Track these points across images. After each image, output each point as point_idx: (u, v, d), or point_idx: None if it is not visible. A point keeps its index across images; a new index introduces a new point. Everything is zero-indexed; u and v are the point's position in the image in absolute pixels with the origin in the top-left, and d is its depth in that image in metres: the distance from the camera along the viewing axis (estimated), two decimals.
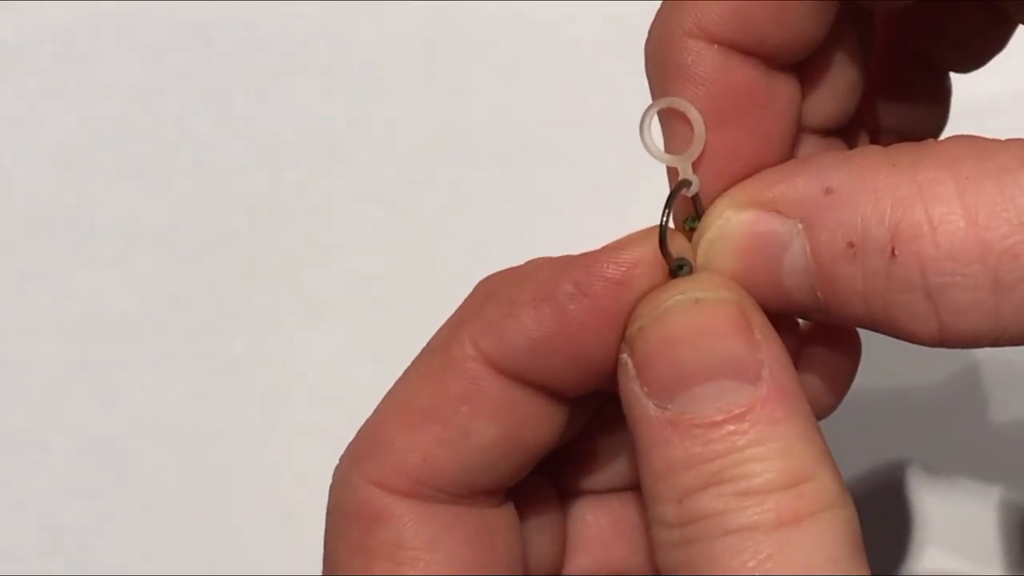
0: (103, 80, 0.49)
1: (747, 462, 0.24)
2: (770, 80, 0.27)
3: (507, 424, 0.27)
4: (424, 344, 0.27)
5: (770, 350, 0.24)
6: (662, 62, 0.27)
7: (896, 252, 0.24)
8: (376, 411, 0.27)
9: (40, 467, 0.45)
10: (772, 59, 0.27)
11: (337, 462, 0.27)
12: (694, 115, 0.26)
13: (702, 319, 0.25)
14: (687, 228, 0.27)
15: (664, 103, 0.26)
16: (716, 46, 0.26)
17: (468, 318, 0.27)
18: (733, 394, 0.24)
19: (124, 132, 0.48)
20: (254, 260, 0.47)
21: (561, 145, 0.47)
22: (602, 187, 0.44)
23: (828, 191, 0.25)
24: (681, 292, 0.25)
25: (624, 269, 0.26)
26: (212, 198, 0.48)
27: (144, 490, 0.45)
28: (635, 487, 0.30)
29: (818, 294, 0.25)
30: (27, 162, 0.48)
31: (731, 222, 0.26)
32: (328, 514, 0.27)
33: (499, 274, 0.28)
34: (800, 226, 0.25)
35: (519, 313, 0.26)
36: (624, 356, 0.25)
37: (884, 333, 0.25)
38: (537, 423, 0.27)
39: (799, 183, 0.25)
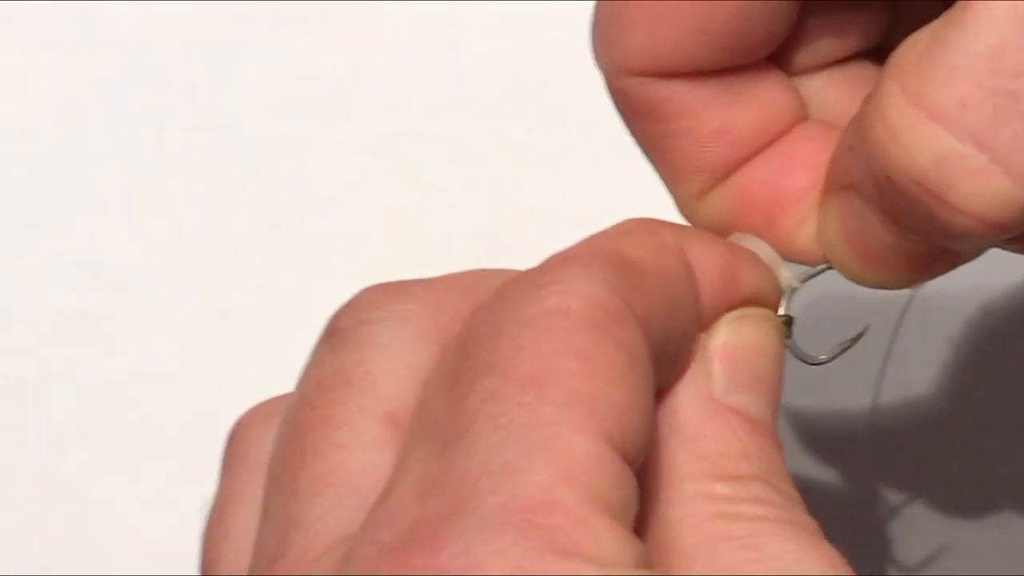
0: (103, 31, 0.49)
1: (773, 475, 0.25)
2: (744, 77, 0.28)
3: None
4: None
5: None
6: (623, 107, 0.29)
7: None
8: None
9: (38, 416, 0.45)
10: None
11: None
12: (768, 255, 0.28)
13: (771, 338, 0.27)
14: None
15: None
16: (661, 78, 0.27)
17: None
18: (768, 414, 0.26)
19: (124, 83, 0.48)
20: (254, 210, 0.47)
21: (563, 97, 0.47)
22: (605, 138, 0.43)
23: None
24: (759, 310, 0.27)
25: None
26: (212, 148, 0.48)
27: (142, 440, 0.45)
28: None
29: None
30: (26, 112, 0.48)
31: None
32: (544, 290, 0.23)
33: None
34: None
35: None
36: (701, 336, 0.26)
37: None
38: None
39: None
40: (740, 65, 0.28)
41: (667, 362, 0.25)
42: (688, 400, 0.25)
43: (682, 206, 0.29)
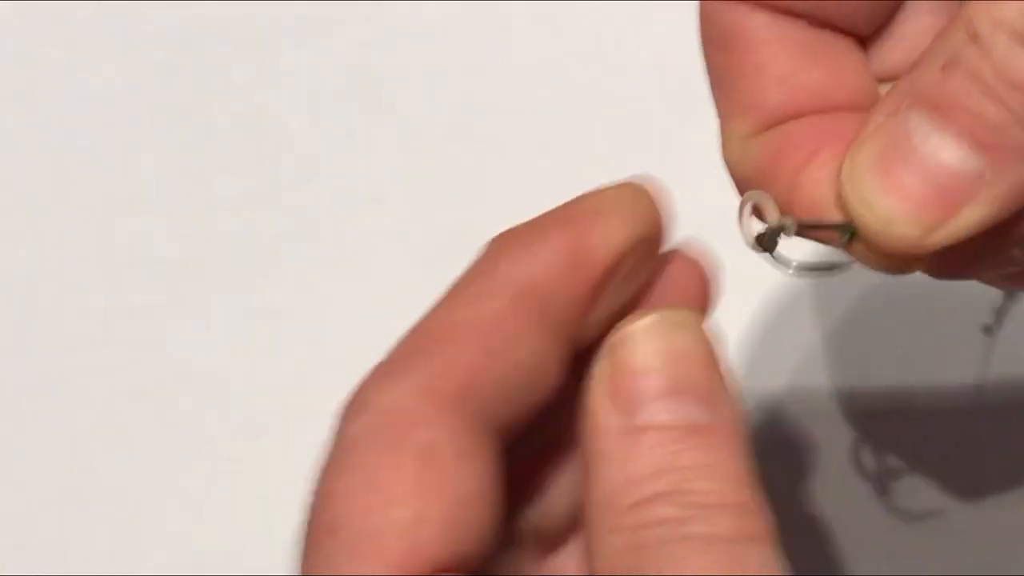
0: (145, 27, 0.49)
1: (705, 478, 0.25)
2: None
3: (540, 353, 0.27)
4: None
5: (727, 391, 0.26)
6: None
7: None
8: (413, 330, 0.27)
9: (80, 413, 0.46)
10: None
11: (368, 370, 0.27)
12: (771, 207, 0.27)
13: (685, 341, 0.26)
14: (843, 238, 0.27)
15: (753, 198, 0.27)
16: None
17: (500, 253, 0.28)
18: (697, 412, 0.25)
19: (166, 79, 0.48)
20: (295, 209, 0.47)
21: (605, 94, 0.47)
22: (646, 135, 0.43)
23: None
24: (665, 312, 0.26)
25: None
26: (253, 146, 0.48)
27: (182, 437, 0.45)
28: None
29: None
30: (70, 110, 0.48)
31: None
32: (352, 414, 0.26)
33: (508, 231, 0.28)
34: None
35: (549, 234, 0.27)
36: (603, 364, 0.26)
37: None
38: (556, 359, 0.28)
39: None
40: (830, 26, 0.28)
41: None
42: (597, 429, 0.26)
43: (725, 143, 0.29)
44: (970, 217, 0.25)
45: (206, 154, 0.48)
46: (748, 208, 0.27)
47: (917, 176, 0.25)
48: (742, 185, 0.29)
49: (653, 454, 0.25)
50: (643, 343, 0.26)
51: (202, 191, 0.47)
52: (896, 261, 0.27)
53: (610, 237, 0.27)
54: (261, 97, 0.48)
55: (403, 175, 0.47)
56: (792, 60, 0.28)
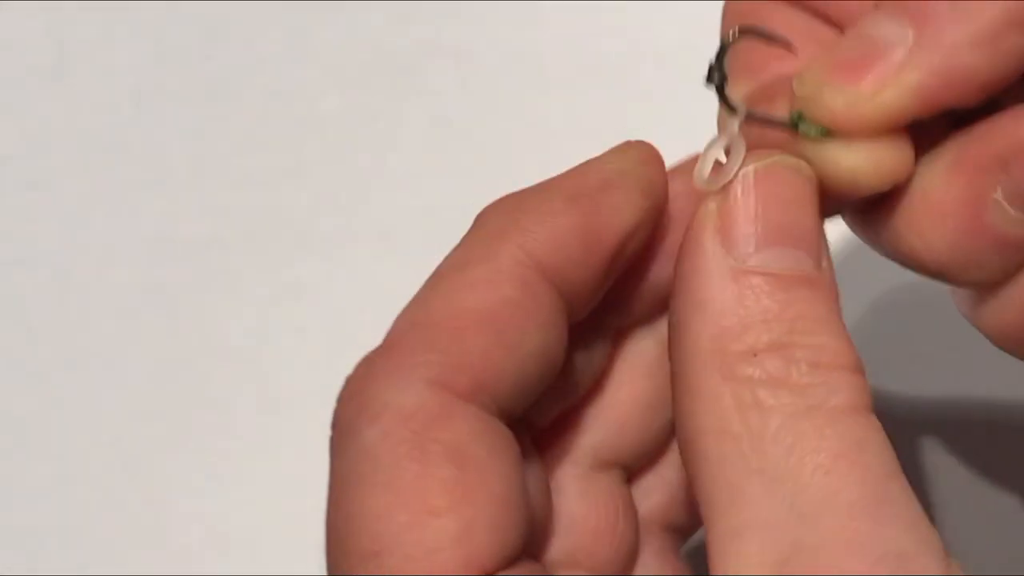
0: (173, 5, 0.49)
1: (815, 332, 0.24)
2: None
3: (550, 337, 0.26)
4: None
5: (826, 245, 0.25)
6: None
7: None
8: (415, 312, 0.26)
9: (109, 390, 0.46)
10: None
11: (365, 357, 0.26)
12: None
13: (798, 188, 0.25)
14: (799, 129, 0.26)
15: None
16: None
17: (506, 229, 0.27)
18: (806, 263, 0.25)
19: (195, 56, 0.49)
20: (324, 186, 0.47)
21: (633, 75, 0.47)
22: (675, 117, 0.43)
23: None
24: (777, 156, 0.25)
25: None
26: (282, 124, 0.48)
27: (209, 414, 0.45)
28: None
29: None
30: (100, 87, 0.49)
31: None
32: (363, 416, 0.25)
33: (509, 200, 0.28)
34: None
35: (557, 210, 0.27)
36: (709, 207, 0.25)
37: None
38: (564, 340, 0.27)
39: None
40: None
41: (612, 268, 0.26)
42: (705, 271, 0.25)
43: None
44: (899, 85, 0.25)
45: (234, 131, 0.48)
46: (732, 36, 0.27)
47: (851, 48, 0.26)
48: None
49: (762, 301, 0.24)
50: (757, 186, 0.25)
51: (230, 168, 0.47)
52: (843, 163, 0.26)
53: (620, 214, 0.27)
54: (289, 74, 0.48)
55: (431, 152, 0.47)
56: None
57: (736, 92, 0.27)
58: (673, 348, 0.25)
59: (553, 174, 0.43)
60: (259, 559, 0.44)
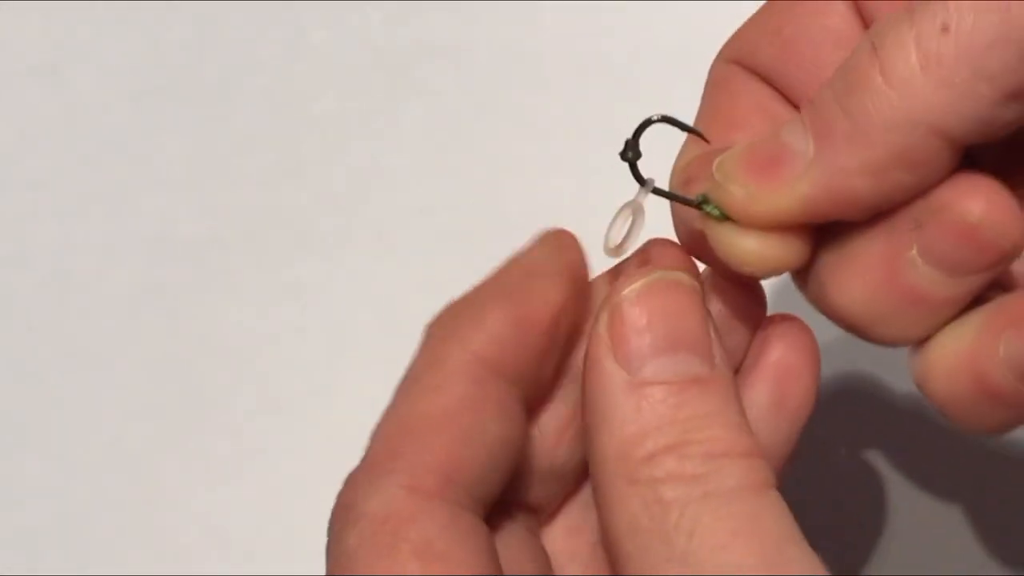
0: (171, 4, 0.49)
1: (708, 427, 0.27)
2: None
3: (507, 424, 0.29)
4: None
5: (718, 342, 0.28)
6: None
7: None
8: (383, 427, 0.29)
9: (109, 390, 0.46)
10: None
11: (349, 475, 0.28)
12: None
13: (680, 298, 0.28)
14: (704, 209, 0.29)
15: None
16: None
17: (449, 336, 0.29)
18: (696, 366, 0.27)
19: (192, 56, 0.49)
20: (321, 185, 0.47)
21: (632, 75, 0.47)
22: (672, 112, 0.43)
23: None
24: (657, 273, 0.28)
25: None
26: (280, 123, 0.48)
27: (208, 414, 0.45)
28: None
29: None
30: (98, 87, 0.49)
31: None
32: (347, 524, 0.27)
33: (447, 311, 0.30)
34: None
35: (490, 312, 0.29)
36: (600, 328, 0.28)
37: None
38: (522, 416, 0.29)
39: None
40: None
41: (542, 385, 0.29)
42: (604, 387, 0.27)
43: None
44: (791, 193, 0.28)
45: (233, 131, 0.48)
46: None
47: (763, 149, 0.28)
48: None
49: (657, 409, 0.27)
50: (640, 303, 0.27)
51: (228, 168, 0.47)
52: (746, 248, 0.28)
53: (547, 295, 0.29)
54: (288, 74, 0.48)
55: (429, 151, 0.47)
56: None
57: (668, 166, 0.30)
58: (588, 458, 0.28)
59: (552, 174, 0.43)
60: (259, 559, 0.44)
